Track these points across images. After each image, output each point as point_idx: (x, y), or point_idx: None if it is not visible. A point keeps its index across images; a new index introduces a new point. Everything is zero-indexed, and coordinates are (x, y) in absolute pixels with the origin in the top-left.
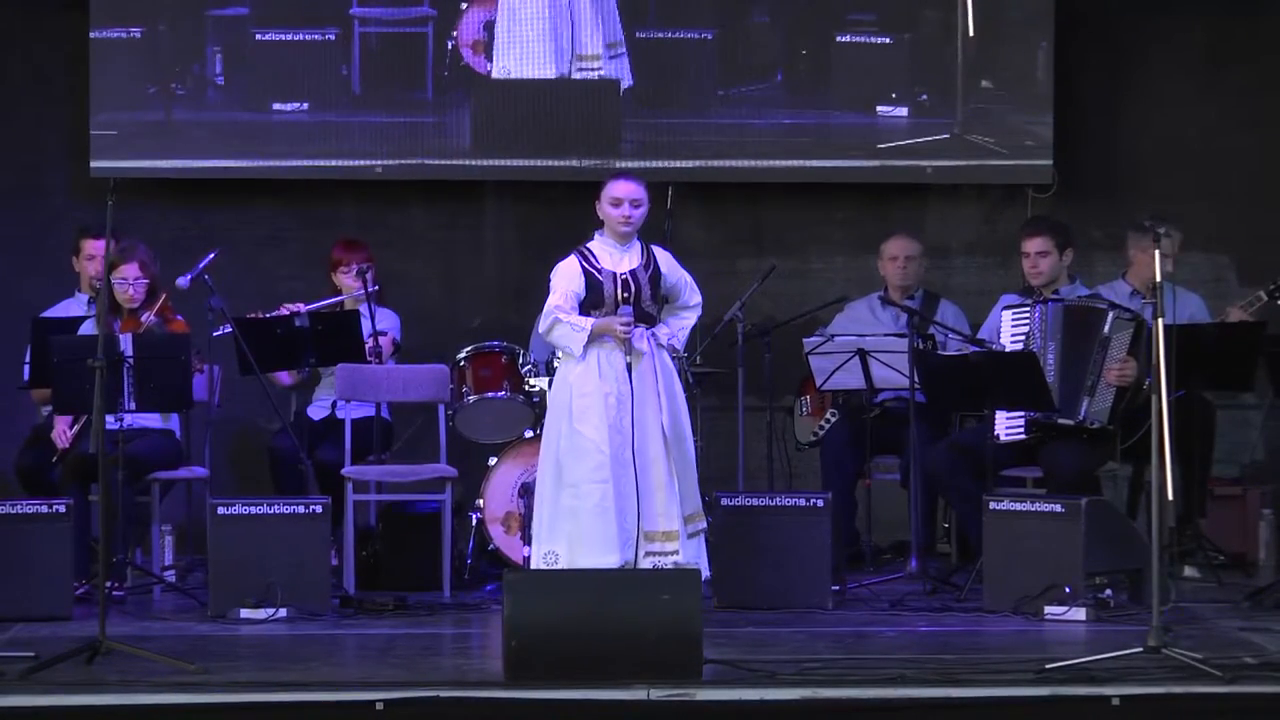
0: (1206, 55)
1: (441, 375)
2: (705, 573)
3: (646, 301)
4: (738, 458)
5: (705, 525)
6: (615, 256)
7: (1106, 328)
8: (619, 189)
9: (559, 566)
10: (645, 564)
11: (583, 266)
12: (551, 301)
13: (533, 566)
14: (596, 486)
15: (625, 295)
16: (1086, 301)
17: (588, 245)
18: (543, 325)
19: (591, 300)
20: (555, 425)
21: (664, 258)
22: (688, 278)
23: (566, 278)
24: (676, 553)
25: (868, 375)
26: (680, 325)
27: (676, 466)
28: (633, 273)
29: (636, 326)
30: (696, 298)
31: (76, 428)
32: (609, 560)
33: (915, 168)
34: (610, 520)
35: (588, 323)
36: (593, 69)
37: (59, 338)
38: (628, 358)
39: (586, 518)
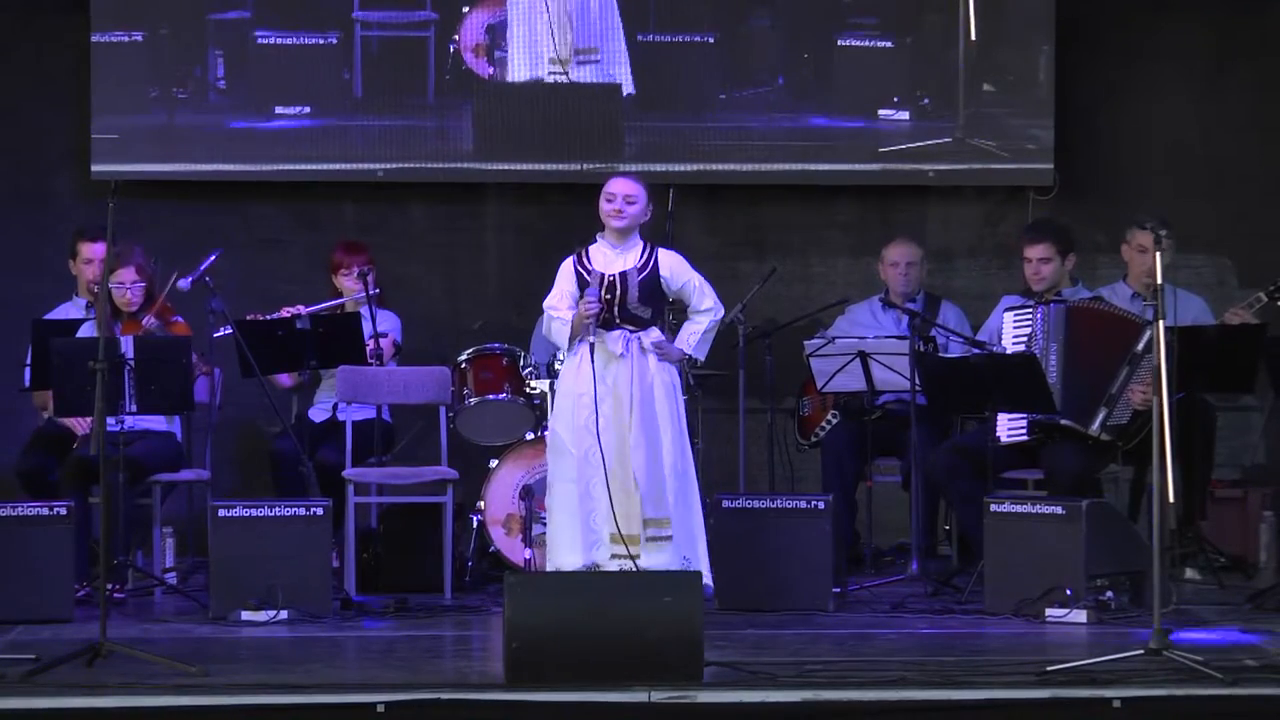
0: (1207, 57)
1: (442, 377)
2: (706, 578)
3: (633, 303)
4: (739, 460)
5: (669, 534)
6: (609, 257)
7: (1141, 345)
8: (611, 186)
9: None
10: (610, 567)
11: (576, 267)
12: (548, 301)
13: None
14: (564, 485)
15: (608, 296)
16: (1112, 309)
17: (588, 246)
18: (544, 325)
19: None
20: (550, 426)
21: (669, 262)
22: (697, 282)
23: (561, 277)
24: (638, 556)
25: (869, 377)
26: (692, 331)
27: (644, 471)
28: (622, 274)
29: (620, 328)
30: (708, 303)
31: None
32: (572, 561)
33: (916, 171)
34: (576, 521)
35: (569, 314)
36: (561, 73)
37: (59, 340)
38: (589, 338)
39: (556, 517)
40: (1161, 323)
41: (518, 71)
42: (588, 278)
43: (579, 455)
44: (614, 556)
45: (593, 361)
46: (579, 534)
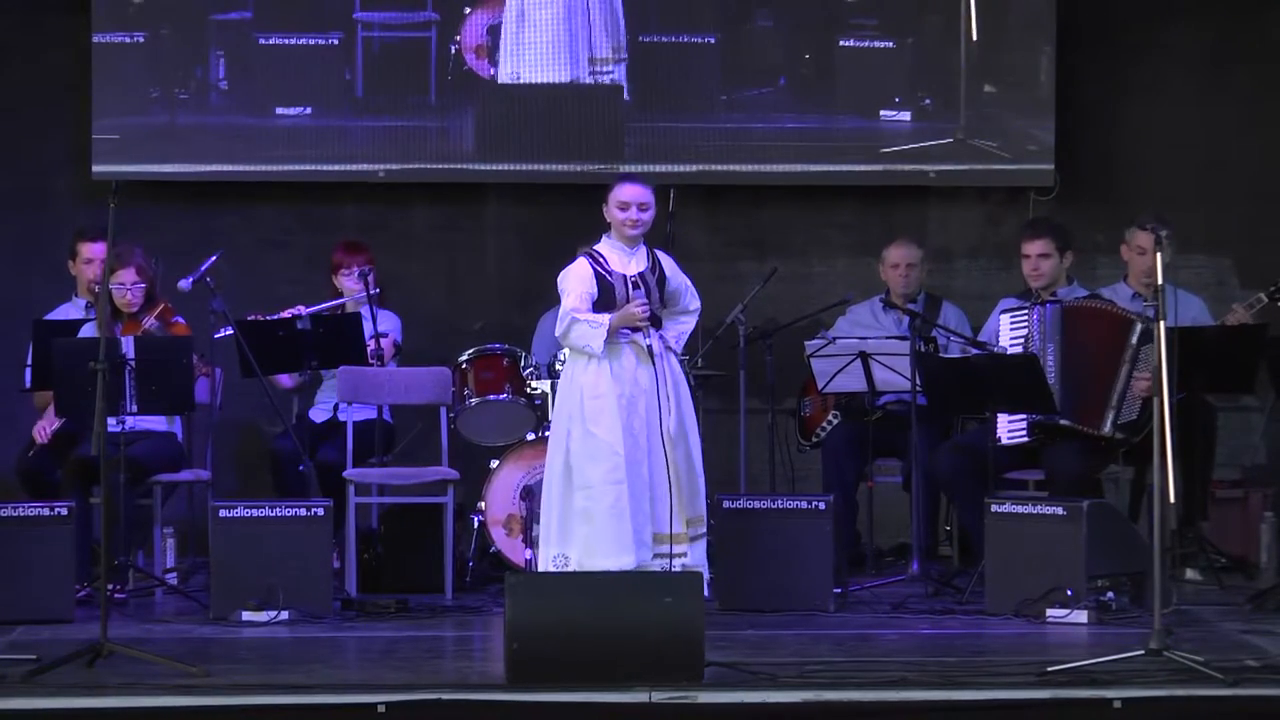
0: (1207, 59)
1: (443, 378)
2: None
3: (655, 304)
4: (739, 460)
5: (705, 530)
6: (624, 259)
7: (1135, 338)
8: (626, 193)
9: (569, 569)
10: (655, 566)
11: (594, 269)
12: (567, 304)
13: (540, 569)
14: (611, 488)
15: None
16: (1106, 306)
17: (596, 248)
18: (559, 329)
19: (604, 302)
20: (564, 427)
21: (667, 262)
22: (688, 282)
23: (579, 280)
24: (685, 554)
25: (869, 378)
26: (680, 330)
27: (682, 469)
28: (641, 275)
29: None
30: (695, 303)
31: (57, 424)
32: (624, 562)
33: (918, 171)
34: (625, 522)
35: (605, 318)
36: (605, 72)
37: (61, 340)
38: (647, 340)
39: (601, 520)
40: (1162, 323)
41: (527, 73)
42: (610, 279)
43: (625, 456)
44: (656, 556)
45: (653, 363)
46: (628, 534)
